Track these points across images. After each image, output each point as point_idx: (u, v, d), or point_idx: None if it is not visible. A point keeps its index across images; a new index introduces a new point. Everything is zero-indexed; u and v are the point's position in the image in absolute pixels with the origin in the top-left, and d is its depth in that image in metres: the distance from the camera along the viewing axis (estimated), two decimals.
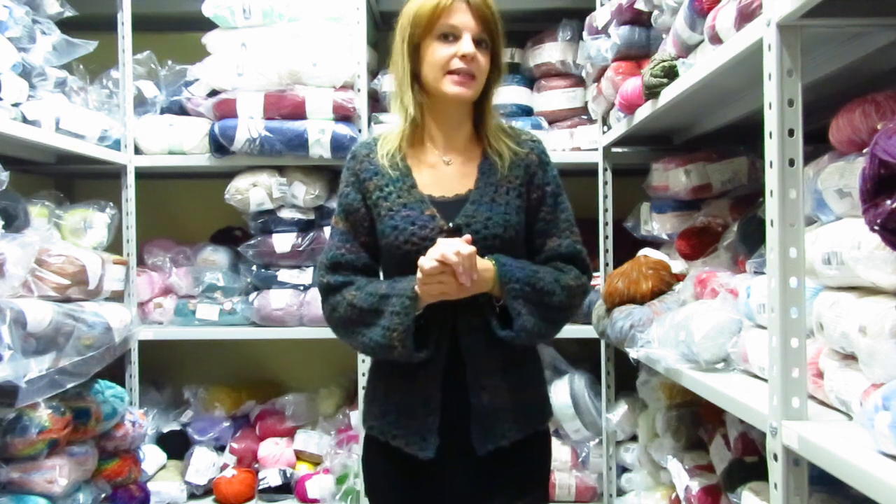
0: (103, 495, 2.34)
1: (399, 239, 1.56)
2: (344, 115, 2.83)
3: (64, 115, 2.42)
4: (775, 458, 1.24)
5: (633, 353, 1.95)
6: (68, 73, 2.52)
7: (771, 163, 1.23)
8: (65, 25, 2.47)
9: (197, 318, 3.02)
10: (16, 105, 2.19)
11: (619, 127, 2.48)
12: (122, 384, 2.70)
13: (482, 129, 1.66)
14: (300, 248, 2.92)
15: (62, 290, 2.11)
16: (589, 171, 2.91)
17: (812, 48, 1.39)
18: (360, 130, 2.87)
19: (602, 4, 2.68)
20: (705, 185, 2.25)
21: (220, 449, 3.12)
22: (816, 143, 1.40)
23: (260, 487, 2.96)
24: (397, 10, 1.66)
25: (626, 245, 2.77)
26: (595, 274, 2.71)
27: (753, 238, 1.75)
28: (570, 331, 3.10)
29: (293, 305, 2.92)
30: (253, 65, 2.83)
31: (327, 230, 2.62)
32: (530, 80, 3.13)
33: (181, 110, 3.03)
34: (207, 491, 3.01)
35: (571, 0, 3.00)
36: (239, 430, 3.19)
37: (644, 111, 2.13)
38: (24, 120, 2.22)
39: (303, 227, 2.97)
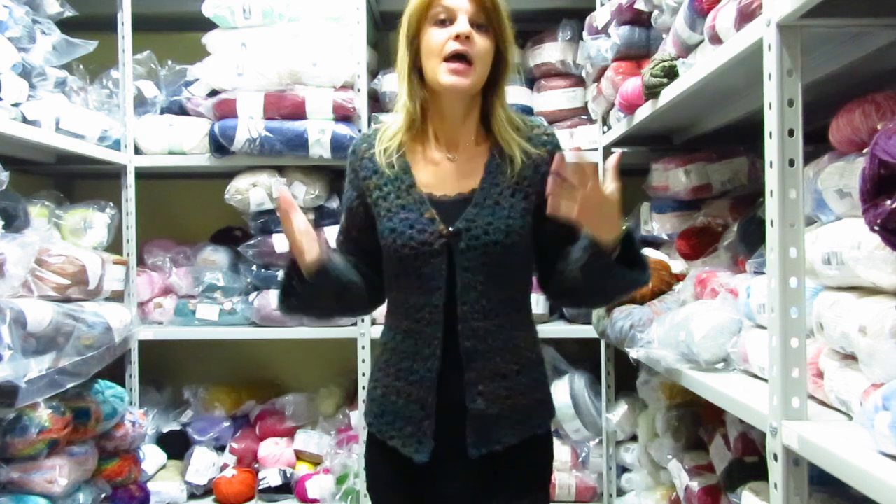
0: (103, 495, 2.34)
1: (397, 242, 1.51)
2: (344, 115, 2.84)
3: (64, 115, 2.42)
4: (775, 458, 1.24)
5: (633, 353, 1.95)
6: (68, 73, 2.52)
7: (771, 163, 1.23)
8: (65, 25, 2.47)
9: (197, 318, 3.02)
10: (16, 105, 2.19)
11: (619, 127, 2.48)
12: (122, 384, 2.70)
13: (491, 123, 1.56)
14: None
15: (62, 290, 2.11)
16: None
17: (812, 48, 1.39)
18: (360, 130, 2.87)
19: (602, 4, 2.68)
20: (705, 185, 2.25)
21: (220, 449, 3.12)
22: (816, 143, 1.40)
23: (260, 487, 2.96)
24: (397, 10, 1.66)
25: None
26: None
27: (753, 238, 1.75)
28: (570, 331, 3.13)
29: None
30: (253, 65, 2.83)
31: (328, 230, 2.62)
32: (530, 81, 3.13)
33: (181, 110, 3.03)
34: (207, 491, 3.01)
35: (571, 0, 3.00)
36: (239, 430, 3.19)
37: (644, 111, 2.13)
38: (24, 120, 2.22)
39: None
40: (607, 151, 2.86)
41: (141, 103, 2.99)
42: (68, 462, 2.11)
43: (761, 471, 1.40)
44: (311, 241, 1.48)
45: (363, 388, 2.82)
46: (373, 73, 3.07)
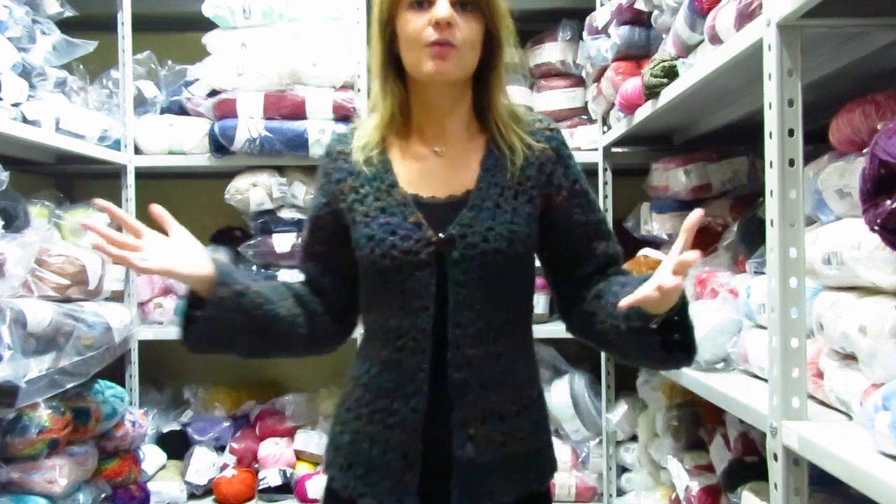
0: (103, 495, 2.34)
1: (376, 252, 1.25)
2: (344, 115, 2.83)
3: (64, 115, 2.42)
4: (775, 458, 1.24)
5: None
6: (68, 73, 2.52)
7: (771, 163, 1.23)
8: (65, 25, 2.47)
9: None
10: (16, 105, 2.19)
11: (619, 127, 2.48)
12: (122, 384, 2.70)
13: (487, 114, 1.32)
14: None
15: (62, 290, 2.11)
16: (589, 172, 2.86)
17: (812, 48, 1.39)
18: None
19: (602, 4, 2.68)
20: (705, 185, 2.25)
21: (220, 449, 3.12)
22: (816, 143, 1.40)
23: (260, 487, 2.96)
24: None
25: (626, 245, 2.77)
26: None
27: (753, 238, 1.75)
28: None
29: None
30: (253, 65, 2.83)
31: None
32: (530, 81, 3.13)
33: (181, 110, 3.03)
34: (207, 491, 3.01)
35: (571, 0, 3.00)
36: (239, 430, 3.18)
37: (644, 111, 2.13)
38: (24, 120, 2.22)
39: (303, 228, 2.97)
40: (607, 151, 2.87)
41: (141, 103, 2.98)
42: (68, 462, 2.11)
43: (761, 471, 1.40)
44: (192, 254, 1.26)
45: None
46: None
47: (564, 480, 2.94)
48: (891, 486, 0.92)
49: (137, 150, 2.96)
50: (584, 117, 3.01)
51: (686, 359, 1.22)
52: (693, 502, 1.98)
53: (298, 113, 2.82)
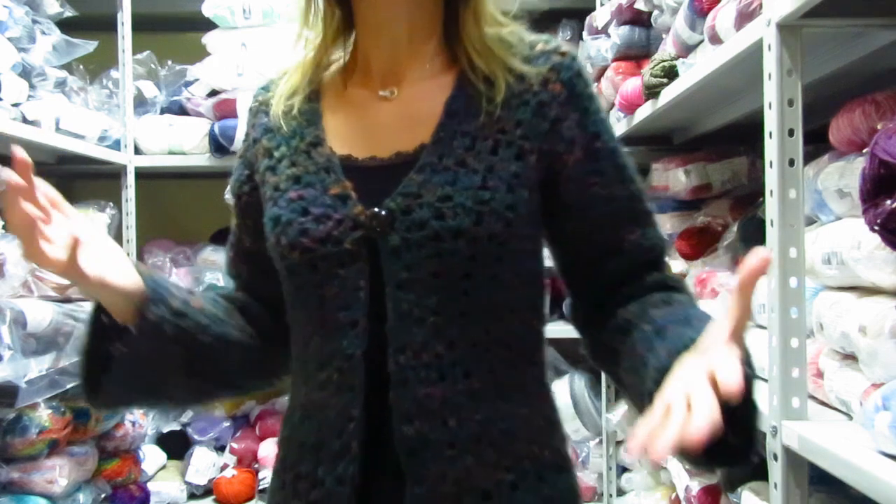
0: (103, 495, 2.35)
1: (282, 242, 0.86)
2: None
3: (64, 116, 2.42)
4: (775, 458, 1.24)
5: None
6: (68, 73, 2.52)
7: (771, 163, 1.23)
8: (65, 25, 2.47)
9: None
10: (16, 105, 2.19)
11: (619, 127, 2.48)
12: None
13: (458, 39, 0.90)
14: None
15: (62, 291, 2.11)
16: None
17: (812, 48, 1.39)
18: None
19: (602, 4, 2.68)
20: (705, 185, 2.25)
21: (220, 449, 3.12)
22: (816, 143, 1.40)
23: (260, 487, 2.96)
24: None
25: None
26: None
27: (753, 238, 1.75)
28: (570, 331, 3.10)
29: None
30: (253, 65, 2.82)
31: None
32: None
33: (181, 110, 3.03)
34: (207, 491, 3.01)
35: (571, 0, 3.00)
36: (239, 430, 3.18)
37: (644, 111, 2.13)
38: (24, 120, 2.22)
39: None
40: None
41: (141, 103, 2.99)
42: (68, 462, 2.11)
43: (761, 471, 1.40)
44: (112, 255, 0.84)
45: None
46: None
47: None
48: (891, 486, 0.92)
49: (137, 150, 2.96)
50: None
51: (739, 460, 0.75)
52: (693, 502, 1.97)
53: None
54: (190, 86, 3.02)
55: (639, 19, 2.31)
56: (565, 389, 2.92)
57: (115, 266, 0.83)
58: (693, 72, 1.70)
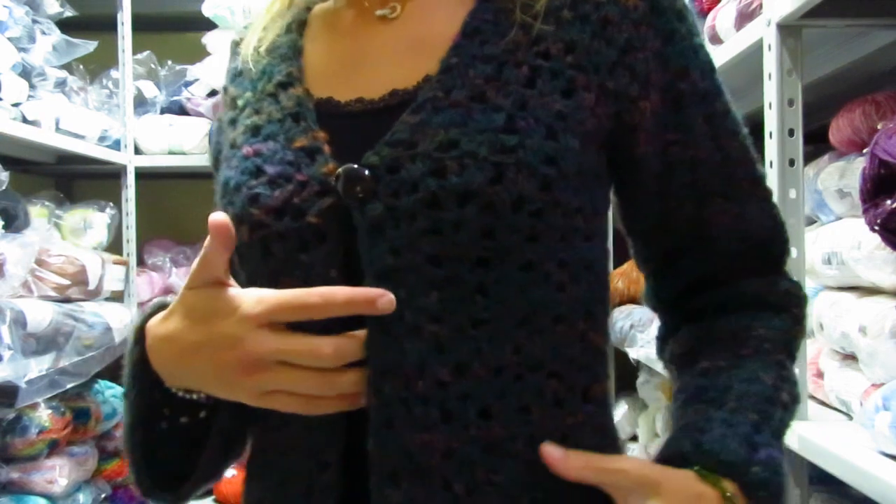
0: (103, 495, 2.35)
1: (230, 211, 0.63)
2: None
3: (64, 115, 2.42)
4: None
5: (633, 353, 1.95)
6: (68, 73, 2.52)
7: (771, 163, 1.23)
8: (65, 25, 2.47)
9: None
10: (16, 105, 2.19)
11: None
12: (122, 384, 2.70)
13: None
14: None
15: (62, 291, 2.11)
16: None
17: (812, 48, 1.39)
18: None
19: None
20: None
21: None
22: (816, 143, 1.40)
23: None
24: None
25: (627, 245, 2.77)
26: None
27: None
28: None
29: None
30: None
31: None
32: None
33: (181, 110, 3.03)
34: (207, 491, 3.00)
35: None
36: None
37: None
38: (24, 120, 2.22)
39: None
40: None
41: (141, 103, 2.98)
42: (68, 462, 2.11)
43: None
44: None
45: None
46: None
47: None
48: (891, 486, 0.92)
49: (137, 150, 2.96)
50: None
51: None
52: None
53: None
54: (190, 86, 3.02)
55: None
56: None
57: None
58: None
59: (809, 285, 1.29)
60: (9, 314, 1.80)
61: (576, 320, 0.61)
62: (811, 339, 1.31)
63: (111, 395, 2.41)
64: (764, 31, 1.24)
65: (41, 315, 1.95)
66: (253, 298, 0.56)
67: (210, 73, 2.89)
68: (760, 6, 1.29)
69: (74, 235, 2.52)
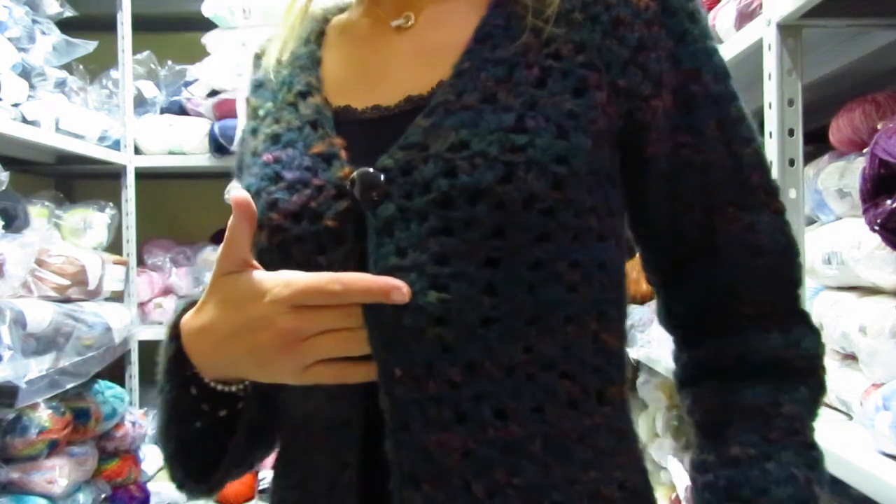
0: (103, 495, 2.35)
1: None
2: None
3: (64, 116, 2.42)
4: None
5: (633, 353, 1.95)
6: (68, 73, 2.52)
7: (771, 163, 1.23)
8: (65, 25, 2.47)
9: None
10: (16, 105, 2.19)
11: None
12: (122, 384, 2.70)
13: None
14: None
15: (62, 291, 2.11)
16: None
17: (812, 48, 1.39)
18: None
19: None
20: None
21: None
22: (816, 143, 1.40)
23: (260, 487, 2.96)
24: None
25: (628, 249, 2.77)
26: None
27: None
28: None
29: None
30: None
31: None
32: None
33: (181, 110, 3.03)
34: None
35: None
36: None
37: None
38: (24, 120, 2.22)
39: None
40: None
41: (141, 103, 2.99)
42: (68, 462, 2.11)
43: None
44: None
45: None
46: None
47: None
48: (891, 486, 0.92)
49: (137, 151, 2.96)
50: None
51: None
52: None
53: None
54: (190, 86, 3.02)
55: None
56: None
57: None
58: None
59: (809, 285, 1.29)
60: (9, 314, 1.80)
61: (587, 321, 0.61)
62: None
63: (111, 395, 2.41)
64: (764, 30, 1.24)
65: (41, 315, 1.95)
66: (282, 281, 0.58)
67: (210, 73, 2.89)
68: (760, 6, 1.29)
69: (74, 235, 2.52)
